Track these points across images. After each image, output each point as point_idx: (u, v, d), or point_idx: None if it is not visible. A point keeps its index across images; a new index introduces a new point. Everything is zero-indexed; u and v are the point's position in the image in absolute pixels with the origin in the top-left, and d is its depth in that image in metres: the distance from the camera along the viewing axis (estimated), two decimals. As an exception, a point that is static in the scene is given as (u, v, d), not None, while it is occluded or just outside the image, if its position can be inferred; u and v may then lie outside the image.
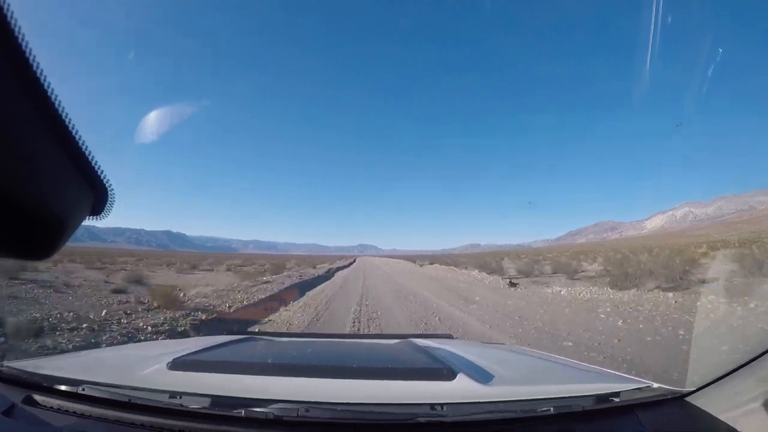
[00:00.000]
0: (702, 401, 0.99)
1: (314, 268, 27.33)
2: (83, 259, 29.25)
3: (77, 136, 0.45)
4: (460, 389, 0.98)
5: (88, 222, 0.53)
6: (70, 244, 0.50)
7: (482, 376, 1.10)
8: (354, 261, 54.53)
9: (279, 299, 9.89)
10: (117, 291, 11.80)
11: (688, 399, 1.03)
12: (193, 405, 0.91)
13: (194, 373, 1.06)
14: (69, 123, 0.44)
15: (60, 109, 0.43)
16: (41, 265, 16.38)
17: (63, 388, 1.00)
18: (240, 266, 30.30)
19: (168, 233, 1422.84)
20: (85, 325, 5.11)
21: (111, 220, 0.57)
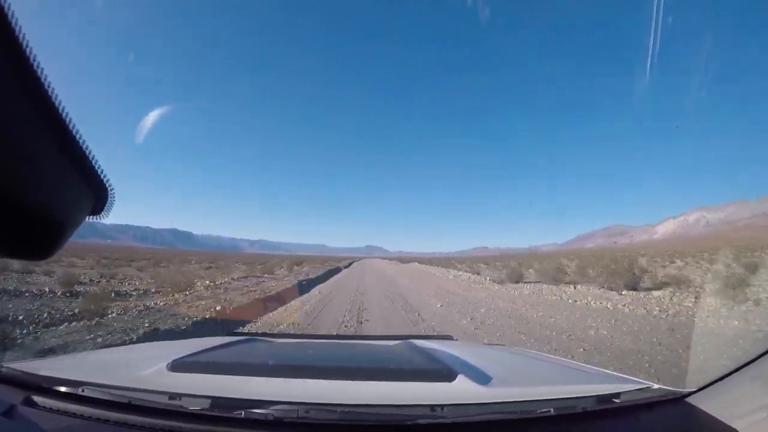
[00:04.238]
0: (702, 402, 0.98)
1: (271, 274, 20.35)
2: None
3: (77, 136, 0.46)
4: (460, 390, 0.98)
5: (89, 221, 0.54)
6: (70, 241, 0.50)
7: (482, 377, 1.09)
8: (348, 266, 38.83)
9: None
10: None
11: (689, 400, 1.01)
12: (193, 406, 0.91)
13: (194, 375, 1.06)
14: (69, 123, 0.44)
15: (60, 108, 0.43)
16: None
17: (63, 389, 1.00)
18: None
19: (174, 231, 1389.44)
20: None
21: (116, 216, 0.57)
